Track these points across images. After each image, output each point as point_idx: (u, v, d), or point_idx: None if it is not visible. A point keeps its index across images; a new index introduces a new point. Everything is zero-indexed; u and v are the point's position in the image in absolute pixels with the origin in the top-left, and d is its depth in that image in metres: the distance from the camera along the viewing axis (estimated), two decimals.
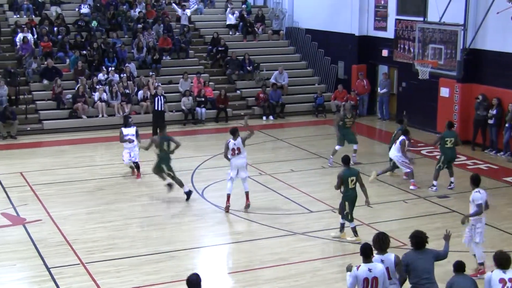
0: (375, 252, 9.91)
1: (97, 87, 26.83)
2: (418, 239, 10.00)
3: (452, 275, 9.94)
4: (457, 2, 23.32)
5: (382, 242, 9.95)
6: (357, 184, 14.54)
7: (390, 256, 9.92)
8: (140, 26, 30.53)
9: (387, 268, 9.78)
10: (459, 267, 9.89)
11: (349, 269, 9.74)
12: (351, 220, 14.71)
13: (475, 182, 13.04)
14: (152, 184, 19.12)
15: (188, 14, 32.21)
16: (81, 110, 26.14)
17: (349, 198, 14.54)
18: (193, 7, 33.32)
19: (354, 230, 14.75)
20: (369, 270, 9.54)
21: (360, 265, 9.62)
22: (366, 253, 9.71)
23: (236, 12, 33.42)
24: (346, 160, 14.69)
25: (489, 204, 13.30)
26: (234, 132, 16.55)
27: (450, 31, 23.47)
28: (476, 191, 12.91)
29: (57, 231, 15.52)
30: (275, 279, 12.98)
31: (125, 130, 19.68)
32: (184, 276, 12.62)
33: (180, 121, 27.32)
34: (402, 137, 18.54)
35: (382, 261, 9.79)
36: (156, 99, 24.23)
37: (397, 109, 27.35)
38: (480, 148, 23.16)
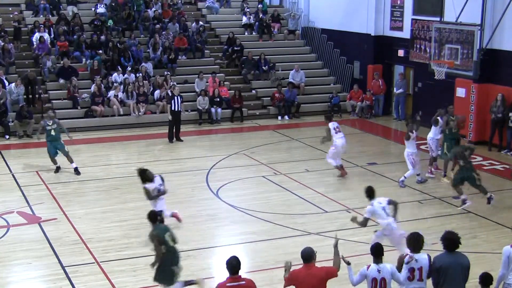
0: (407, 250, 9.85)
1: (115, 84, 26.96)
2: (450, 241, 9.62)
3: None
4: (474, 2, 23.16)
5: (416, 241, 9.84)
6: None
7: (424, 255, 9.82)
8: (157, 26, 30.57)
9: (420, 268, 9.67)
10: (486, 279, 9.49)
11: None
12: None
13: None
14: (168, 184, 19.10)
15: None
16: (99, 112, 26.27)
17: None
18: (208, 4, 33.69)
19: None
20: (378, 271, 9.54)
21: (370, 265, 9.62)
22: (377, 253, 9.68)
23: (250, 12, 33.48)
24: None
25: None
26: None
27: (467, 31, 23.35)
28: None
29: (72, 230, 15.58)
30: None
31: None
32: (199, 276, 12.73)
33: (195, 121, 27.35)
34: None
35: (416, 260, 9.72)
36: (174, 99, 24.21)
37: (413, 110, 27.23)
38: (497, 148, 23.03)
